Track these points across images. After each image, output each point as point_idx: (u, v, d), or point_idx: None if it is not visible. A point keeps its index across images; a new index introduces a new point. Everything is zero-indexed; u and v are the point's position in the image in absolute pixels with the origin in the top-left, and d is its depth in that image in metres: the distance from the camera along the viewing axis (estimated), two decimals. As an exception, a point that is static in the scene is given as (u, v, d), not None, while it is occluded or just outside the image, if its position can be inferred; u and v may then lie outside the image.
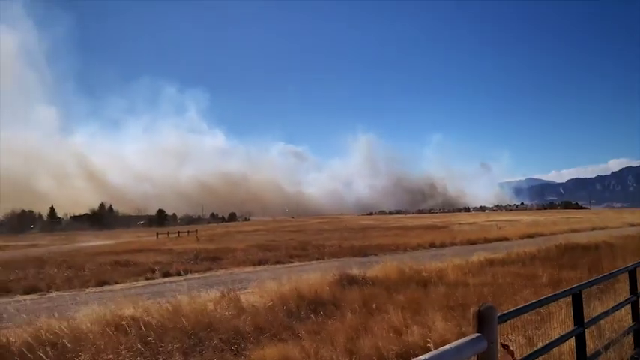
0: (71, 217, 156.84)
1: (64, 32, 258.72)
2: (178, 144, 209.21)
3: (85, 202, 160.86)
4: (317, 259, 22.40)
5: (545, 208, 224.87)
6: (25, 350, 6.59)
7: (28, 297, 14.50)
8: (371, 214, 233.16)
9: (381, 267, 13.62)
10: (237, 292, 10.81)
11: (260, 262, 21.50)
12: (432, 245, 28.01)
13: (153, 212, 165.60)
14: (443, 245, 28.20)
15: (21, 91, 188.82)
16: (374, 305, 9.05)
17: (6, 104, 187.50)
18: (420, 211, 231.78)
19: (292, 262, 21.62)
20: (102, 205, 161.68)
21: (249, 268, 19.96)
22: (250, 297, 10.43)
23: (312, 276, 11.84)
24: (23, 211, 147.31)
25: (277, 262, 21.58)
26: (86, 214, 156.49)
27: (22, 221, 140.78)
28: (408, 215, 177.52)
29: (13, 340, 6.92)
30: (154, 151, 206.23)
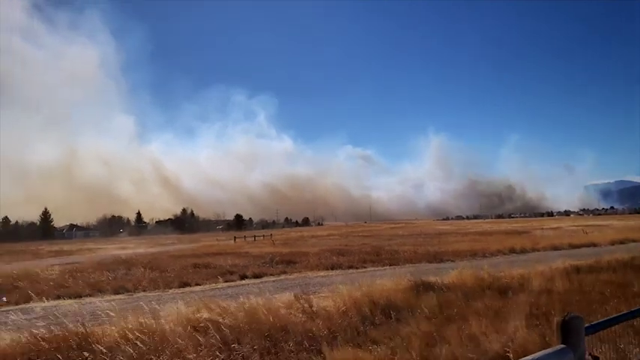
0: (156, 221, 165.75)
1: (139, 42, 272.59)
2: (248, 149, 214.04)
3: (161, 207, 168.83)
4: (391, 264, 22.14)
5: (638, 212, 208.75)
6: (113, 346, 7.02)
7: (117, 297, 15.44)
8: (447, 218, 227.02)
9: (457, 273, 13.22)
10: (311, 296, 10.92)
11: (333, 267, 21.57)
12: (513, 251, 26.82)
13: (230, 216, 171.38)
14: (524, 251, 26.92)
15: (102, 101, 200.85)
16: (450, 312, 8.80)
17: (90, 114, 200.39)
18: (500, 216, 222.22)
19: (365, 268, 21.51)
20: (184, 210, 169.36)
21: (323, 273, 20.09)
22: (324, 301, 10.49)
23: (386, 281, 11.72)
24: (113, 216, 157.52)
25: (350, 267, 21.55)
26: (169, 219, 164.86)
27: (112, 225, 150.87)
28: (487, 220, 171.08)
29: (105, 336, 7.40)
30: (225, 156, 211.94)
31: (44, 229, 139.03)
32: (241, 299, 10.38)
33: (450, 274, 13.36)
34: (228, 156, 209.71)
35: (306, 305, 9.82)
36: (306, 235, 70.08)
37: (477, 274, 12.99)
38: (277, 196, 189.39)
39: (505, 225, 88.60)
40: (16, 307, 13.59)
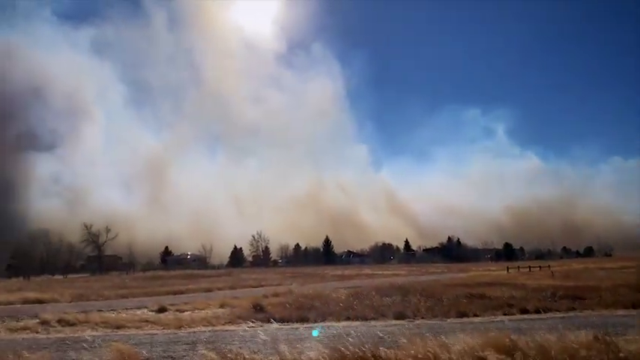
0: (423, 249, 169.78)
1: (363, 69, 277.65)
2: (486, 170, 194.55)
3: (395, 233, 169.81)
4: None
5: None
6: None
7: (398, 322, 16.14)
8: None
9: None
10: (614, 338, 9.49)
11: (635, 305, 18.39)
12: None
13: (499, 245, 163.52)
14: None
15: (338, 131, 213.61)
16: None
17: (330, 145, 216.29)
18: None
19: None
20: (449, 238, 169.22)
21: (622, 311, 17.33)
22: (630, 345, 9.00)
23: None
24: (383, 243, 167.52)
25: (660, 306, 18.04)
26: (436, 247, 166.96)
27: (384, 252, 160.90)
28: None
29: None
30: (460, 180, 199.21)
31: (326, 254, 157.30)
32: (528, 335, 9.69)
33: None
34: (463, 179, 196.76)
35: (609, 348, 8.57)
36: (592, 266, 61.83)
37: None
38: (524, 222, 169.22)
39: None
40: (314, 324, 15.45)
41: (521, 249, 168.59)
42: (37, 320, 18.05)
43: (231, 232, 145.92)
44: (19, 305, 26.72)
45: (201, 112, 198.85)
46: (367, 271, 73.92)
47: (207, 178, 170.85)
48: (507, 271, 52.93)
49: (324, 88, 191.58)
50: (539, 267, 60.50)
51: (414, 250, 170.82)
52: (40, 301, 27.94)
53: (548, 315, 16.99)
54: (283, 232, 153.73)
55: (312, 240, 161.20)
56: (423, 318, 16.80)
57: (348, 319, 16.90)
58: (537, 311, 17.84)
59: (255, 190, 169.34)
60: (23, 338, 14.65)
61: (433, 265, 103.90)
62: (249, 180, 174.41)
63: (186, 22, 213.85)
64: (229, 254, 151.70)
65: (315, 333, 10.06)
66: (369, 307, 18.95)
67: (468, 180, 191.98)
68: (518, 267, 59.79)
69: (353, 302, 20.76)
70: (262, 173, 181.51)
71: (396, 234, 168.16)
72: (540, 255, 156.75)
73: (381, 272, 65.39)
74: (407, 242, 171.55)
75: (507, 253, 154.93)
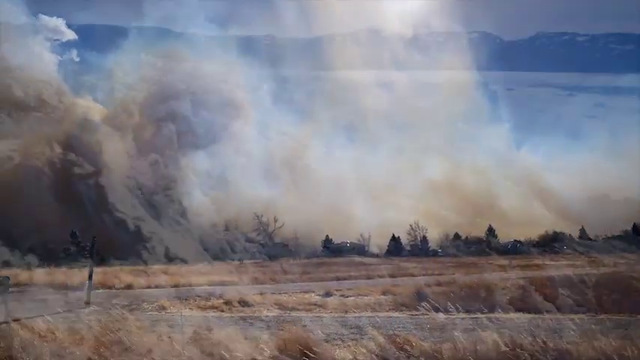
0: (603, 238, 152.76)
1: (491, 38, 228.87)
2: None
3: (538, 222, 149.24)
4: None
5: None
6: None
7: (576, 316, 14.70)
8: None
9: None
10: None
11: None
12: None
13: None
14: None
15: (471, 110, 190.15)
16: None
17: (463, 126, 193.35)
18: None
19: None
20: (634, 226, 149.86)
21: None
22: None
23: None
24: (554, 232, 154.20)
25: None
26: (619, 236, 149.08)
27: (555, 241, 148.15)
28: None
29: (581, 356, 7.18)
30: (619, 158, 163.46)
31: (489, 243, 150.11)
32: None
33: None
34: (623, 157, 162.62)
35: None
36: None
37: None
38: None
39: None
40: (481, 315, 14.84)
41: None
42: (222, 300, 20.22)
43: (369, 219, 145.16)
44: (206, 287, 30.11)
45: (333, 100, 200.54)
46: (537, 261, 68.73)
47: (342, 166, 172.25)
48: None
49: (452, 63, 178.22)
50: None
51: (591, 239, 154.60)
52: (223, 284, 31.20)
53: None
54: (421, 219, 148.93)
55: (448, 227, 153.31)
56: (606, 313, 15.16)
57: (518, 310, 15.98)
58: None
59: (389, 176, 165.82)
60: (212, 316, 16.53)
61: (616, 255, 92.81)
62: (383, 167, 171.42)
63: (314, 12, 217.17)
64: (386, 243, 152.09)
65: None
66: (542, 299, 17.65)
67: (630, 158, 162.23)
68: None
69: (523, 293, 19.54)
70: (396, 159, 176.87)
71: (542, 221, 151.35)
72: None
73: (553, 263, 60.38)
74: (583, 230, 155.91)
75: None
